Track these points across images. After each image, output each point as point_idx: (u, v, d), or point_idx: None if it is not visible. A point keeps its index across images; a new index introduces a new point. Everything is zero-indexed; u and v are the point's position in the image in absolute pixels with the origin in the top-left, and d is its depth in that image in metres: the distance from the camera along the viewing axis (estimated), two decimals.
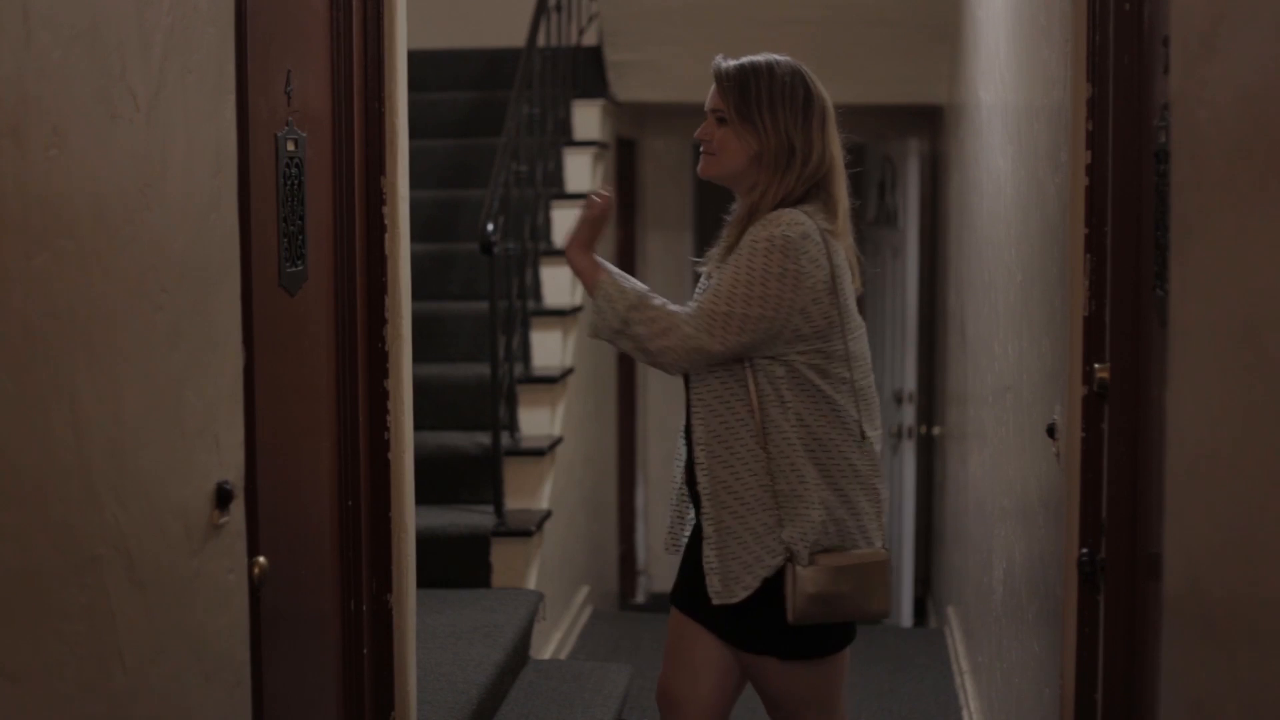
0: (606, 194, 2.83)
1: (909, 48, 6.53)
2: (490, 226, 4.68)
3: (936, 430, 6.94)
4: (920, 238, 7.21)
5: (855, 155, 2.84)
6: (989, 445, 4.21)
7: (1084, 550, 2.45)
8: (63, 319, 1.69)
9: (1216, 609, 1.41)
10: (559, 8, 6.14)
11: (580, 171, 6.24)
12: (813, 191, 2.71)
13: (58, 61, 1.67)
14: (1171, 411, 1.63)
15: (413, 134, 3.23)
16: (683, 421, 2.81)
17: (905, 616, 7.27)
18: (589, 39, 6.69)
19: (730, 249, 2.72)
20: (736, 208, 2.79)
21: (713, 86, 2.76)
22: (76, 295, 1.72)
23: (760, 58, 2.75)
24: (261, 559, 2.35)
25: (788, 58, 2.76)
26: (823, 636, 2.75)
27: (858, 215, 2.84)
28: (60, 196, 1.68)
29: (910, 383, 7.20)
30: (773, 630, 2.71)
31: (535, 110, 5.71)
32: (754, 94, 2.70)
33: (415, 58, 3.35)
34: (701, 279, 2.81)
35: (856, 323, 2.72)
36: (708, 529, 2.71)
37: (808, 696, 2.81)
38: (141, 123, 1.87)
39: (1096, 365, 2.42)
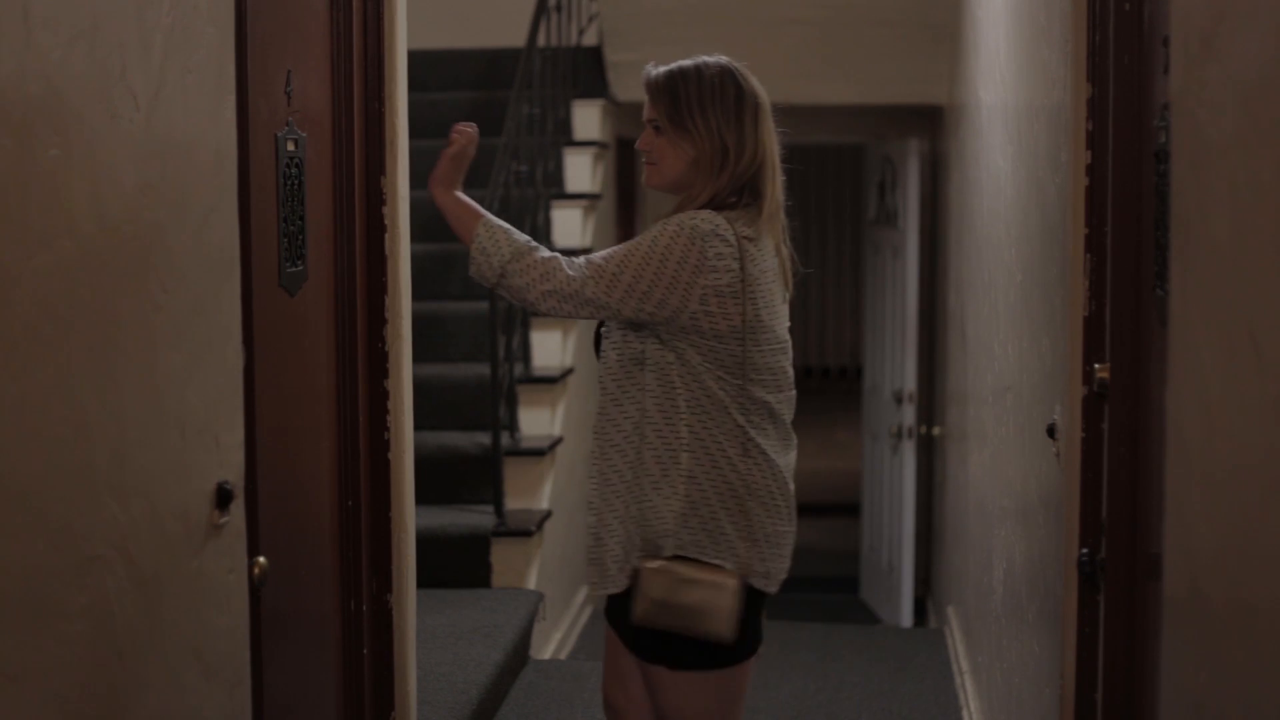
0: (469, 128, 2.79)
1: (909, 48, 6.52)
2: None
3: (936, 430, 6.94)
4: (920, 238, 7.21)
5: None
6: (989, 445, 4.21)
7: (1084, 550, 2.45)
8: (63, 319, 1.69)
9: (1216, 609, 1.41)
10: (559, 8, 6.14)
11: (580, 171, 6.23)
12: (743, 193, 2.67)
13: (58, 61, 1.67)
14: (1171, 411, 1.63)
15: (413, 134, 3.23)
16: None
17: (905, 616, 7.27)
18: (589, 39, 6.68)
19: None
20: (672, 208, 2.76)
21: (647, 97, 2.73)
22: (77, 295, 1.72)
23: (689, 61, 2.70)
24: (261, 559, 2.35)
25: (719, 57, 2.71)
26: (714, 647, 2.64)
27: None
28: (61, 196, 1.68)
29: (910, 383, 7.20)
30: (661, 638, 2.64)
31: (535, 110, 5.70)
32: (684, 100, 2.66)
33: (415, 58, 3.35)
34: None
35: (774, 336, 2.64)
36: (590, 519, 2.69)
37: (699, 712, 2.69)
38: (141, 123, 1.87)
39: (1096, 365, 2.42)
